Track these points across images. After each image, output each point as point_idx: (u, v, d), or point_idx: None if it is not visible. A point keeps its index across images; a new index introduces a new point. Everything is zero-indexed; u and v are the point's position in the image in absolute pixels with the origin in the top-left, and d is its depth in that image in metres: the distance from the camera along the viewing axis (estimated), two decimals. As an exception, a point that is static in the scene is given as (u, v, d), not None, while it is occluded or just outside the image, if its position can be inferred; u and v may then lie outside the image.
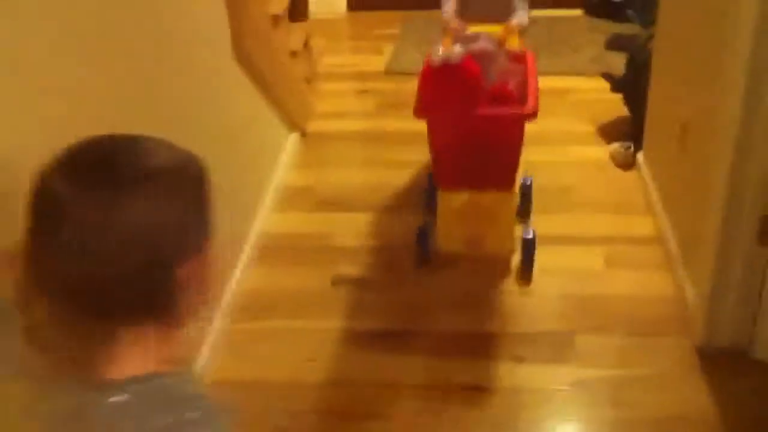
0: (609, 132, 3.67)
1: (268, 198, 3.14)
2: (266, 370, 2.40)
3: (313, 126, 3.84)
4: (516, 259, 2.76)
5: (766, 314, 2.33)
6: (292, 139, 3.59)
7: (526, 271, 2.72)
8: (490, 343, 2.47)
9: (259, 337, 2.54)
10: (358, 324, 2.57)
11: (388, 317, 2.59)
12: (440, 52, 2.36)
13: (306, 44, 3.91)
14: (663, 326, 2.51)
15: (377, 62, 4.62)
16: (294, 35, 3.65)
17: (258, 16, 3.00)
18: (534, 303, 2.62)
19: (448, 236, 2.70)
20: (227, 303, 2.57)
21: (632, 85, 3.56)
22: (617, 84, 3.68)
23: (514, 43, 2.83)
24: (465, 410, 2.26)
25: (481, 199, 2.62)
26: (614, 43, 4.01)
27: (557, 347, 2.44)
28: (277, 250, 2.94)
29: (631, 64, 3.61)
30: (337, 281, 2.75)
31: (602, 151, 3.55)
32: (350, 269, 2.81)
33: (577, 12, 5.22)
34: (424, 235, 2.75)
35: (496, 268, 2.77)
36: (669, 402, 2.25)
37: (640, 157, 3.35)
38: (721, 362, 2.37)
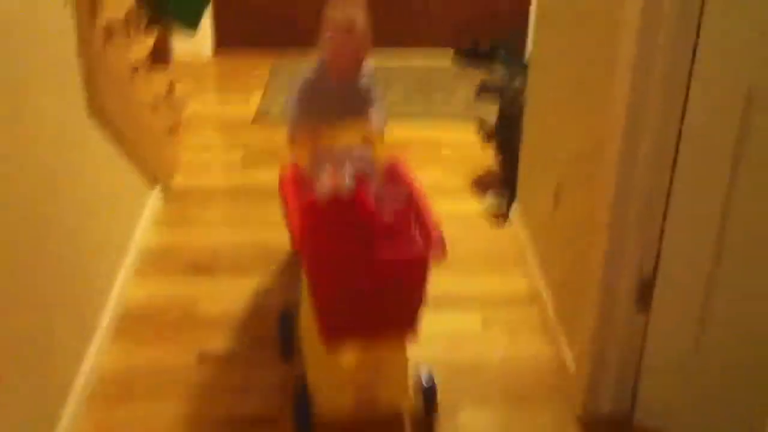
0: (482, 184, 3.64)
1: (127, 263, 2.91)
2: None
3: (178, 180, 3.63)
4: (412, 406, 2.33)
5: (647, 379, 2.30)
6: (154, 197, 3.37)
7: (428, 425, 2.31)
8: (367, 425, 2.32)
9: (115, 426, 2.31)
10: (226, 408, 2.37)
11: (259, 400, 2.41)
12: (324, 184, 1.97)
13: (169, 91, 3.71)
14: (543, 394, 2.45)
15: (245, 110, 4.46)
16: (155, 82, 3.45)
17: (114, 67, 2.80)
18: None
19: (333, 401, 2.21)
20: (81, 388, 2.33)
21: (503, 135, 3.55)
22: (489, 134, 3.66)
23: (381, 152, 2.39)
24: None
25: (376, 350, 2.20)
26: (484, 91, 4.00)
27: (436, 422, 2.32)
28: (137, 323, 2.71)
29: (501, 114, 3.60)
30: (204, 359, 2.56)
31: (475, 205, 3.51)
32: (217, 344, 2.62)
33: (445, 62, 5.22)
34: (303, 402, 2.21)
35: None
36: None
37: (513, 210, 3.32)
38: (604, 430, 2.33)
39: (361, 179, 2.05)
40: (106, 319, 2.60)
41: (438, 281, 2.90)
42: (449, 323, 2.73)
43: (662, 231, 2.14)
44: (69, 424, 2.21)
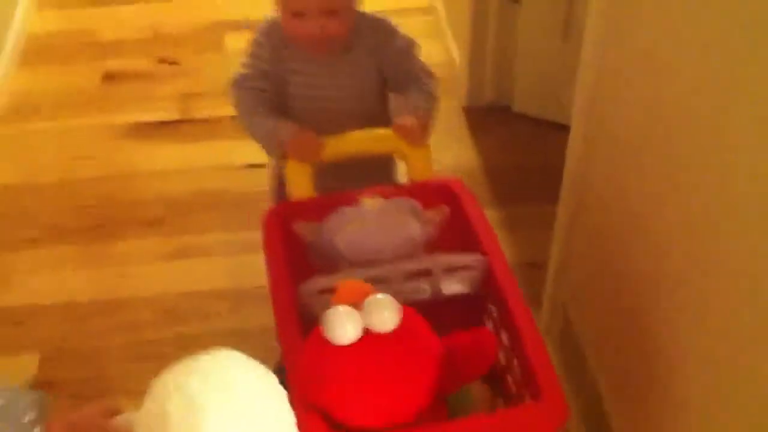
0: None
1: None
2: (36, 173, 2.34)
3: None
4: None
5: (521, 69, 2.46)
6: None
7: None
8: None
9: (25, 139, 2.46)
10: (133, 117, 2.52)
11: (164, 109, 2.55)
12: (337, 312, 1.05)
13: None
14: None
15: None
16: None
17: None
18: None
19: None
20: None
21: None
22: None
23: (421, 168, 1.44)
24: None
25: None
26: None
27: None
28: (41, 50, 2.80)
29: None
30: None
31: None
32: (120, 63, 2.72)
33: None
34: None
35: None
36: (442, 160, 2.39)
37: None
38: (486, 118, 2.52)
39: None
40: (7, 49, 2.68)
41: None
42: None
43: None
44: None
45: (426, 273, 1.30)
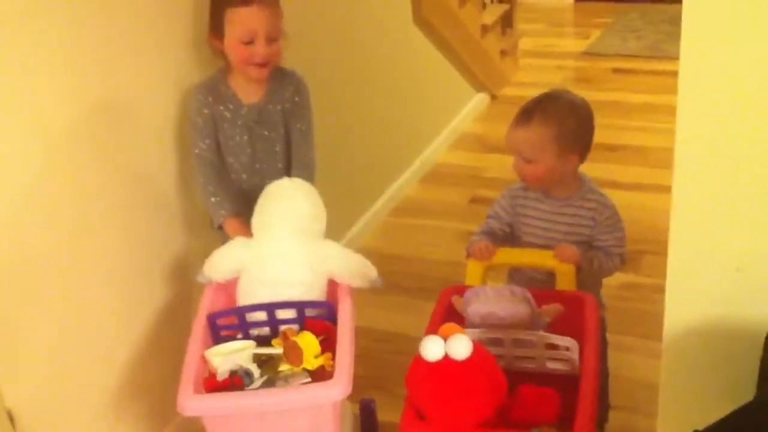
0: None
1: (442, 138, 4.02)
2: (402, 249, 3.30)
3: (506, 91, 4.61)
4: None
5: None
6: (478, 98, 4.41)
7: None
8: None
9: (407, 228, 3.45)
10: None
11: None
12: (428, 338, 1.52)
13: (505, 22, 4.64)
14: None
15: (582, 45, 5.29)
16: (488, 12, 4.43)
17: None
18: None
19: None
20: (387, 201, 3.52)
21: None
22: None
23: (564, 283, 1.93)
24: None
25: None
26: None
27: None
28: (438, 174, 3.85)
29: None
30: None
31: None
32: (486, 192, 3.60)
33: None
34: None
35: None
36: None
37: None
38: None
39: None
40: (413, 167, 3.76)
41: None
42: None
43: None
44: (370, 222, 3.38)
45: (532, 346, 1.72)
